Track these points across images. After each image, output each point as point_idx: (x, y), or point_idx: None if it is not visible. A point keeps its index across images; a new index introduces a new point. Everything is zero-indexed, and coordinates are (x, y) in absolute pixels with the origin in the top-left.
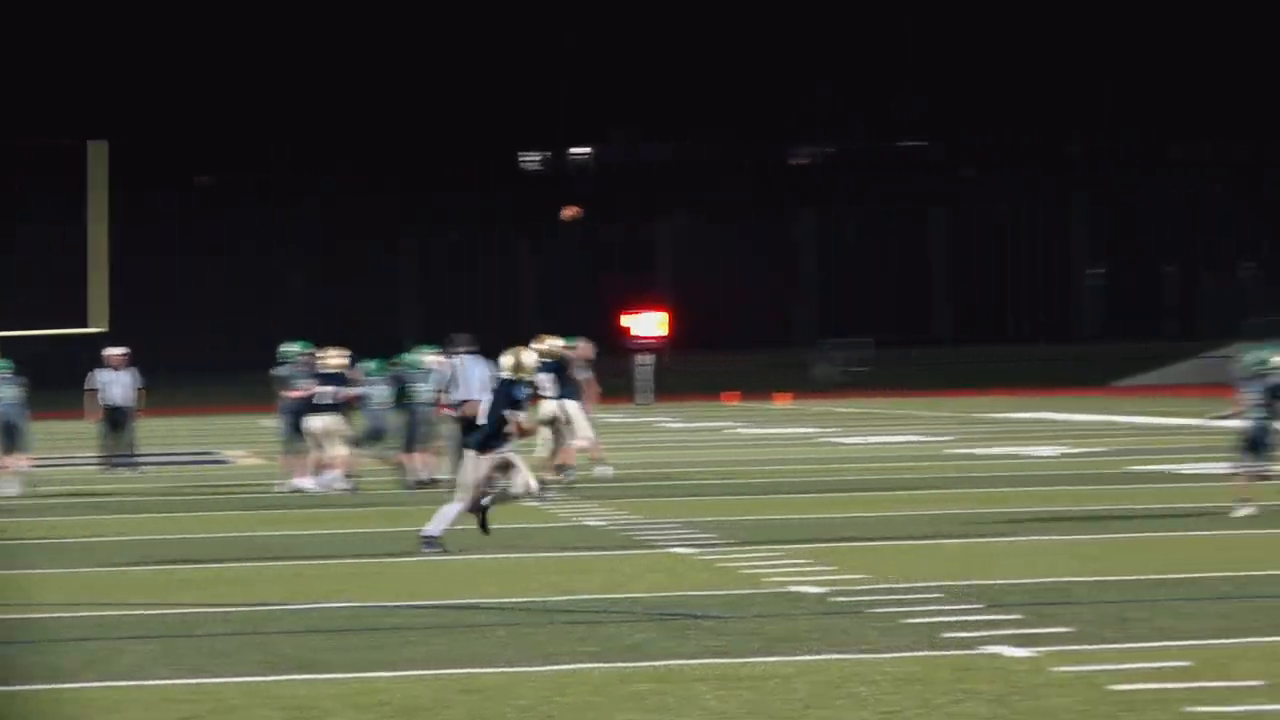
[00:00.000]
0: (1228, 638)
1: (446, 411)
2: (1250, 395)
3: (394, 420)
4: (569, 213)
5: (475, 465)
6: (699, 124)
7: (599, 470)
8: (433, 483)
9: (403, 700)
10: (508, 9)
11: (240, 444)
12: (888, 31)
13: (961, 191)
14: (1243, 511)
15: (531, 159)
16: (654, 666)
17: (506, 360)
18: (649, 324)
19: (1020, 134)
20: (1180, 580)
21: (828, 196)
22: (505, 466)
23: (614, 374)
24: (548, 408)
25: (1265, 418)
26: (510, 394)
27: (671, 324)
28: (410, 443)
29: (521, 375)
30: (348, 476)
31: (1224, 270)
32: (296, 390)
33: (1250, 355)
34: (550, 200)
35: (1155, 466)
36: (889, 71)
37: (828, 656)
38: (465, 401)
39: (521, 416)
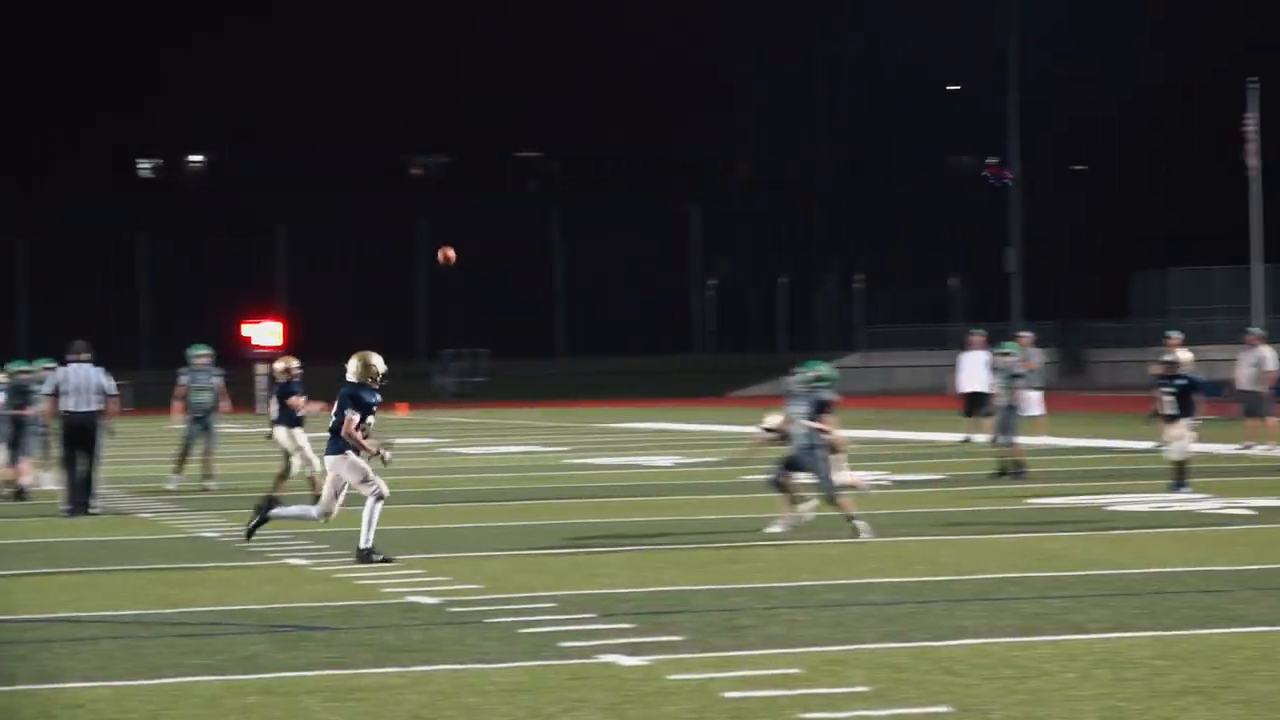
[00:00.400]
0: (836, 644)
1: (54, 420)
2: (797, 410)
3: (3, 430)
4: (445, 255)
5: (331, 473)
6: (317, 132)
7: (176, 481)
8: (21, 493)
9: (5, 717)
10: (123, 12)
11: None
12: (468, 35)
13: (579, 203)
14: (774, 528)
15: (146, 166)
16: (265, 679)
17: (353, 365)
18: (268, 333)
19: (630, 146)
20: (791, 588)
21: (446, 206)
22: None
23: (234, 384)
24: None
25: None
26: (359, 399)
27: (290, 333)
28: (16, 452)
29: (369, 380)
30: None
31: (839, 282)
32: None
33: (804, 369)
34: (167, 206)
35: (768, 476)
36: (507, 80)
37: (441, 667)
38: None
39: (356, 419)
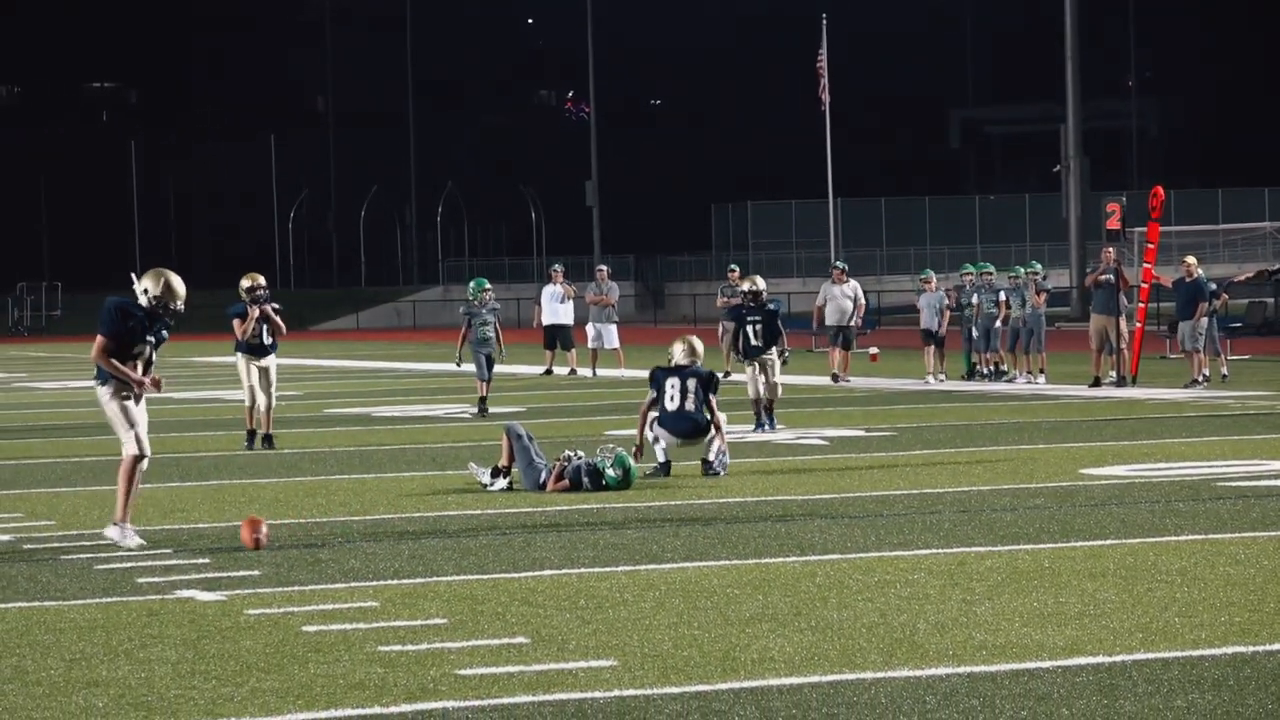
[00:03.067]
0: (414, 578)
1: None
2: None
3: None
4: None
5: None
6: None
7: None
8: None
9: None
10: None
11: None
12: None
13: (156, 134)
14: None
15: None
16: None
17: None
18: None
19: (211, 77)
20: (369, 522)
21: (17, 136)
22: None
23: None
24: None
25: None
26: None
27: None
28: None
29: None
30: None
31: (421, 215)
32: None
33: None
34: None
35: (351, 409)
36: (80, 8)
37: (13, 605)
38: None
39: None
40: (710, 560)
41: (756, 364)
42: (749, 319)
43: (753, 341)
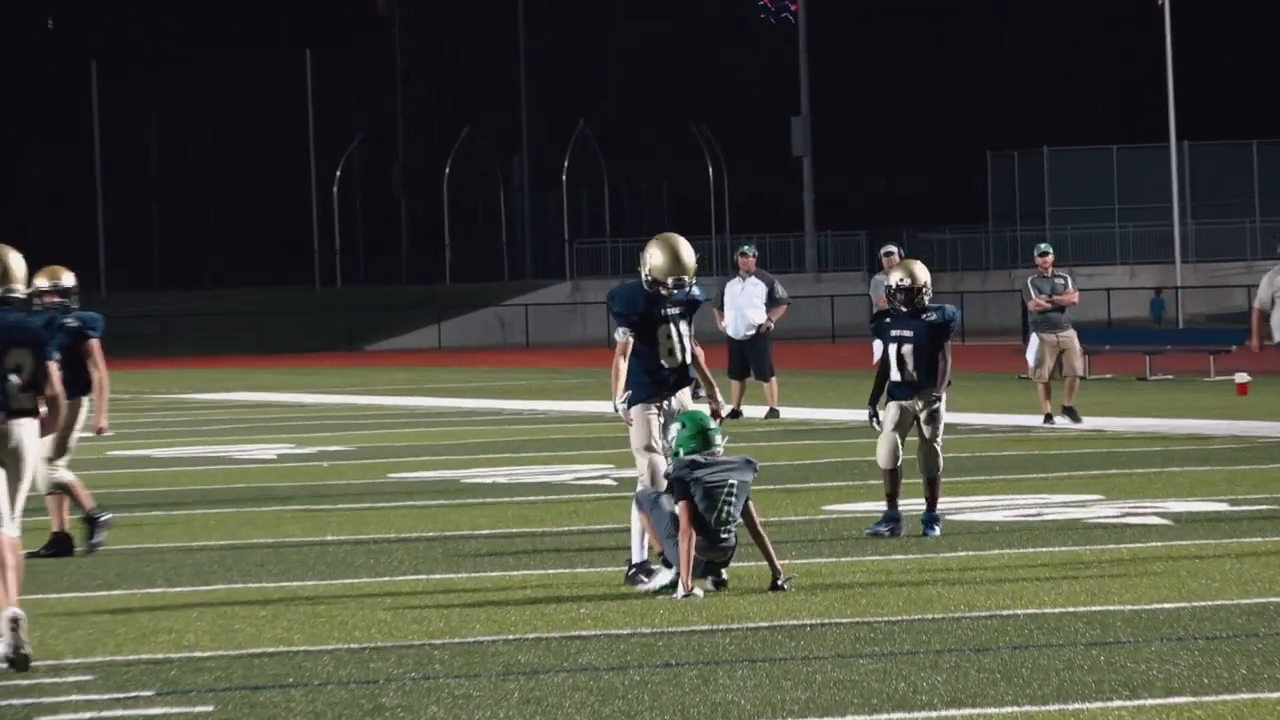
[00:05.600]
0: None
1: None
2: None
3: None
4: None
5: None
6: None
7: None
8: None
9: None
10: None
11: None
12: None
13: (124, 51)
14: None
15: None
16: None
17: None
18: None
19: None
20: (460, 645)
21: None
22: None
23: None
24: None
25: None
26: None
27: None
28: None
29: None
30: None
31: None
32: None
33: None
34: None
35: (429, 472)
36: None
37: None
38: None
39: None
40: (988, 706)
41: (899, 409)
42: (894, 334)
43: (895, 374)
